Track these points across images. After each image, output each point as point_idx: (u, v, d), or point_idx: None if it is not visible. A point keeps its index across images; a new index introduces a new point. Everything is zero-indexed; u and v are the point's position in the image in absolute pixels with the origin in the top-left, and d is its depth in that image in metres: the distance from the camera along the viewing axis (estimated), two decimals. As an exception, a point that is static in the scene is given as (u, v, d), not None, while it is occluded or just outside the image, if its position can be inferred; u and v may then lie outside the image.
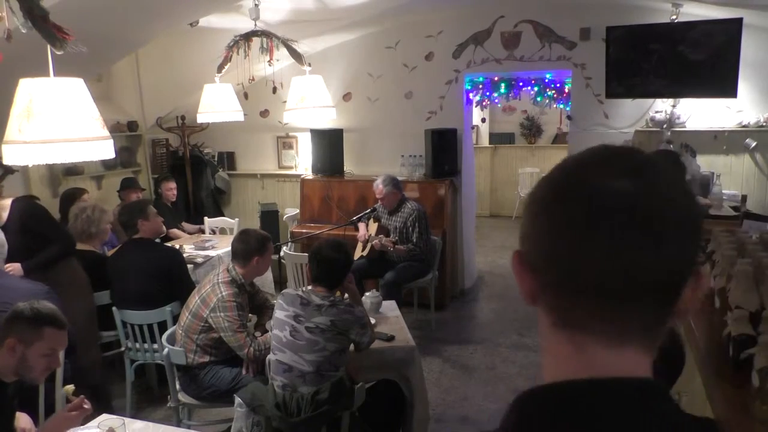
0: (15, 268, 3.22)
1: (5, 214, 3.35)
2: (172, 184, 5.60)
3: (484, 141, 10.07)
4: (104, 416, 2.24)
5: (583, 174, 0.61)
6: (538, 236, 0.62)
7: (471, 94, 6.08)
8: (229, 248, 4.70)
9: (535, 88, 6.05)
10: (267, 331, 3.03)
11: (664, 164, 0.61)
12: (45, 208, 3.75)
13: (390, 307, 3.57)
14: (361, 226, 4.92)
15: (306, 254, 3.71)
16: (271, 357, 2.69)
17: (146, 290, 3.50)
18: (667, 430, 0.58)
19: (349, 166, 6.18)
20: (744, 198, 4.22)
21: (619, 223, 0.57)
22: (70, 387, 2.22)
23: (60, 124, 1.95)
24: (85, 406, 2.04)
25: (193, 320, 2.97)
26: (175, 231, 5.43)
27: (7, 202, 3.38)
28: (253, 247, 3.02)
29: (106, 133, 2.11)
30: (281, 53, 4.73)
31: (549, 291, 0.62)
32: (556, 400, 0.60)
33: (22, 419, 2.14)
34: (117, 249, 3.93)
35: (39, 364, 2.00)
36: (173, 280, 3.61)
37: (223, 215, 6.41)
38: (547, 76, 5.93)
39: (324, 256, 2.67)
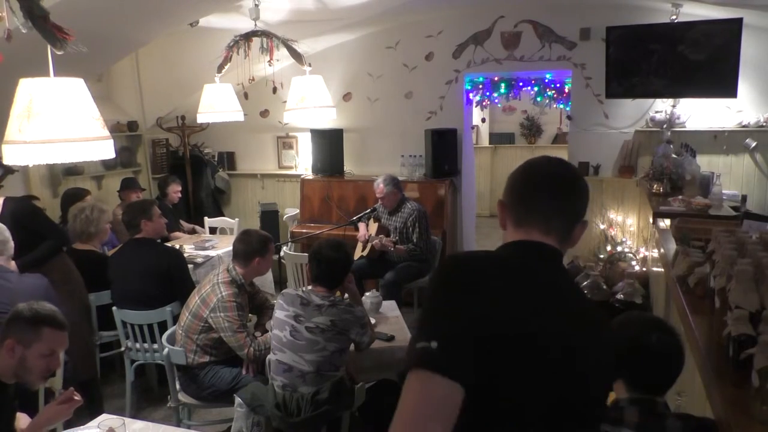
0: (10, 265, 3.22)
1: None
2: (179, 187, 5.60)
3: (484, 141, 10.06)
4: (104, 416, 2.24)
5: (535, 163, 1.30)
6: (512, 192, 1.27)
7: (471, 94, 6.08)
8: (229, 248, 4.70)
9: (535, 88, 6.05)
10: (267, 331, 3.03)
11: (571, 165, 1.34)
12: (37, 206, 3.76)
13: (390, 307, 3.57)
14: (361, 226, 4.92)
15: (306, 254, 3.71)
16: (271, 357, 2.69)
17: (146, 290, 3.50)
18: (555, 267, 1.23)
19: (349, 166, 6.18)
20: (744, 198, 4.21)
21: (548, 184, 1.24)
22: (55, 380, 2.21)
23: (60, 124, 1.95)
24: (75, 398, 2.03)
25: (193, 320, 2.97)
26: (176, 233, 5.43)
27: (0, 200, 3.39)
28: (255, 248, 3.02)
29: (106, 133, 2.10)
30: (281, 53, 4.73)
31: (513, 212, 1.26)
32: (515, 245, 1.24)
33: (23, 420, 2.14)
34: (118, 249, 3.93)
35: (38, 365, 1.98)
36: (173, 280, 3.61)
37: (223, 215, 6.41)
38: (547, 76, 5.93)
39: (324, 256, 2.67)
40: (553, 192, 1.23)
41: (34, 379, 2.03)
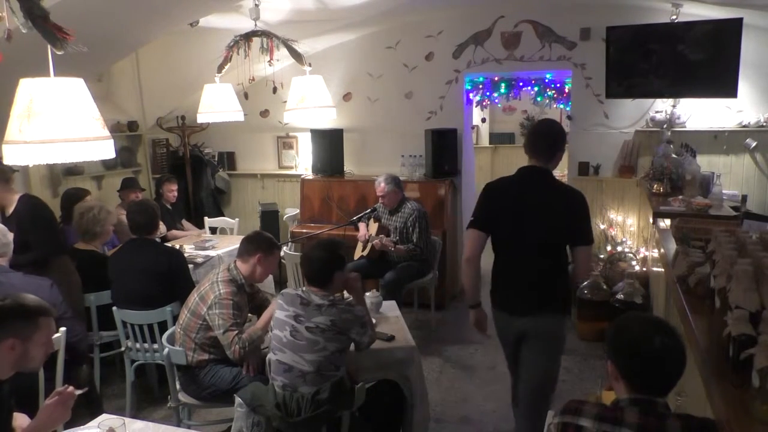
0: None
1: (12, 208, 3.44)
2: (174, 186, 5.57)
3: (484, 141, 10.07)
4: (104, 416, 2.25)
5: (534, 124, 2.99)
6: (525, 140, 2.83)
7: (471, 94, 6.08)
8: (229, 248, 4.72)
9: (535, 88, 6.04)
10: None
11: (554, 122, 2.96)
12: (49, 210, 3.71)
13: (390, 307, 3.57)
14: (362, 226, 4.92)
15: (306, 254, 3.70)
16: (271, 357, 2.69)
17: (147, 290, 3.50)
18: (542, 175, 2.73)
19: (349, 166, 6.18)
20: (744, 198, 4.21)
21: (540, 135, 2.77)
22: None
23: (60, 124, 1.95)
24: (69, 390, 2.03)
25: (191, 318, 2.97)
26: (174, 232, 5.43)
27: (17, 196, 3.47)
28: (261, 245, 3.03)
29: (107, 133, 2.10)
30: (281, 53, 4.73)
31: (527, 151, 2.77)
32: (522, 168, 2.80)
33: (20, 420, 2.13)
34: (118, 249, 3.93)
35: (39, 352, 2.04)
36: (174, 280, 3.61)
37: (223, 215, 6.42)
38: (547, 76, 5.93)
39: (309, 255, 2.71)
40: (540, 139, 2.72)
41: (35, 366, 2.09)
